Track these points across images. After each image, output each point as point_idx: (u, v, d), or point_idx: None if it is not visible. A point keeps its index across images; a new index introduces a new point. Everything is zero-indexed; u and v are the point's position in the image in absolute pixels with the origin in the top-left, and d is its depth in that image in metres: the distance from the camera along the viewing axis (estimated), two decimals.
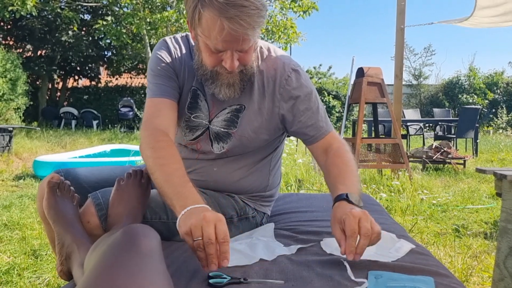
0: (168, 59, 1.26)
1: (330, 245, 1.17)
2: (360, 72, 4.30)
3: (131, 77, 17.68)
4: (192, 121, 1.29)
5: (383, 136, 6.90)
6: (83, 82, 17.53)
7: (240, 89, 1.20)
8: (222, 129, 1.27)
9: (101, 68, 17.55)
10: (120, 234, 0.79)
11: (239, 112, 1.26)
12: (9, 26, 14.35)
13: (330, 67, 25.13)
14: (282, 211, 1.61)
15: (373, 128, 5.64)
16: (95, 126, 13.00)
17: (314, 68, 23.90)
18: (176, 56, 1.28)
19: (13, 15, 10.07)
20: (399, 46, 4.75)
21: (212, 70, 1.16)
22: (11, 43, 14.91)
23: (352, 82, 4.53)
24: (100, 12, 14.11)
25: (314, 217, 1.51)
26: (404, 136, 7.41)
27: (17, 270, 2.02)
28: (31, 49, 15.11)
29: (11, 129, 6.83)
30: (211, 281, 0.94)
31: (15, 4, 9.71)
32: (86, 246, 1.07)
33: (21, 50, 14.72)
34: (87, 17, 14.99)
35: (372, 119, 5.95)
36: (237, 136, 1.27)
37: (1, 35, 14.46)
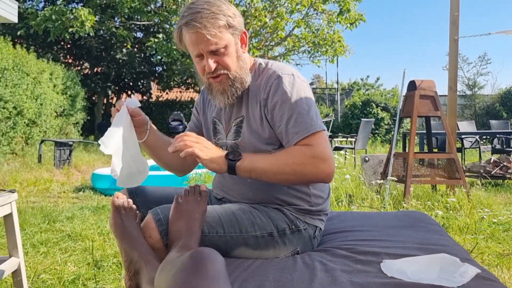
0: (196, 106, 1.62)
1: (391, 268, 1.16)
2: (412, 85, 4.20)
3: (180, 92, 18.22)
4: (217, 144, 1.47)
5: (436, 150, 6.66)
6: (135, 97, 18.22)
7: (232, 95, 1.35)
8: (231, 141, 1.42)
9: (152, 83, 18.22)
10: (188, 258, 0.84)
11: (242, 123, 1.40)
12: (68, 46, 15.27)
13: (377, 78, 24.73)
14: (337, 230, 1.61)
15: (425, 142, 5.45)
16: None
17: (362, 79, 23.60)
18: (204, 95, 1.57)
19: (72, 35, 10.72)
20: (453, 57, 4.61)
21: (208, 84, 1.37)
22: (70, 61, 15.85)
23: (403, 95, 4.44)
24: (152, 30, 14.70)
25: (371, 236, 1.50)
26: (458, 150, 7.12)
27: (81, 280, 2.13)
28: (88, 66, 15.97)
29: (71, 143, 7.23)
30: None
31: (74, 26, 10.33)
32: (152, 263, 1.13)
33: (79, 68, 15.60)
34: (139, 35, 15.67)
35: (423, 131, 5.77)
36: (242, 145, 1.39)
37: (62, 54, 15.39)
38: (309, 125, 1.28)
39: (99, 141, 1.24)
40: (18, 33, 10.86)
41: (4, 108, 7.22)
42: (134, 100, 1.36)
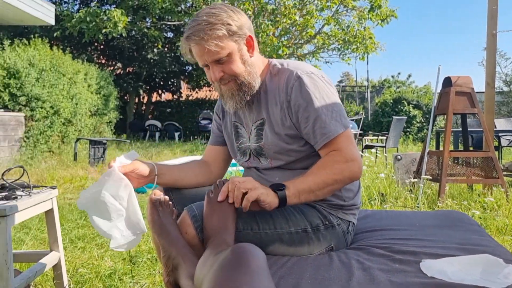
0: (216, 111, 1.60)
1: (431, 268, 1.13)
2: (448, 82, 4.09)
3: (210, 91, 18.41)
4: (240, 147, 1.49)
5: (471, 148, 6.46)
6: (166, 96, 18.57)
7: (240, 99, 1.36)
8: (255, 144, 1.42)
9: (182, 82, 18.47)
10: (230, 253, 0.85)
11: (263, 125, 1.40)
12: (102, 46, 15.69)
13: (409, 76, 24.24)
14: (372, 228, 1.58)
15: (459, 140, 5.28)
16: (176, 138, 13.66)
17: (392, 77, 23.16)
18: (221, 102, 1.54)
19: (106, 36, 10.99)
20: (490, 52, 4.45)
21: (219, 89, 1.38)
22: (103, 61, 16.27)
23: (438, 92, 4.32)
24: (182, 29, 14.89)
25: (408, 235, 1.47)
26: (495, 148, 6.88)
27: (118, 275, 2.18)
28: (120, 66, 16.35)
29: (105, 141, 7.42)
30: None
31: (108, 27, 10.60)
32: (190, 258, 1.14)
33: (112, 68, 15.99)
34: (170, 35, 15.91)
35: (457, 129, 5.60)
36: (266, 147, 1.39)
37: (95, 55, 15.82)
38: (334, 125, 1.30)
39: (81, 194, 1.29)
40: (55, 34, 11.23)
41: (42, 107, 7.48)
42: (130, 154, 1.34)
